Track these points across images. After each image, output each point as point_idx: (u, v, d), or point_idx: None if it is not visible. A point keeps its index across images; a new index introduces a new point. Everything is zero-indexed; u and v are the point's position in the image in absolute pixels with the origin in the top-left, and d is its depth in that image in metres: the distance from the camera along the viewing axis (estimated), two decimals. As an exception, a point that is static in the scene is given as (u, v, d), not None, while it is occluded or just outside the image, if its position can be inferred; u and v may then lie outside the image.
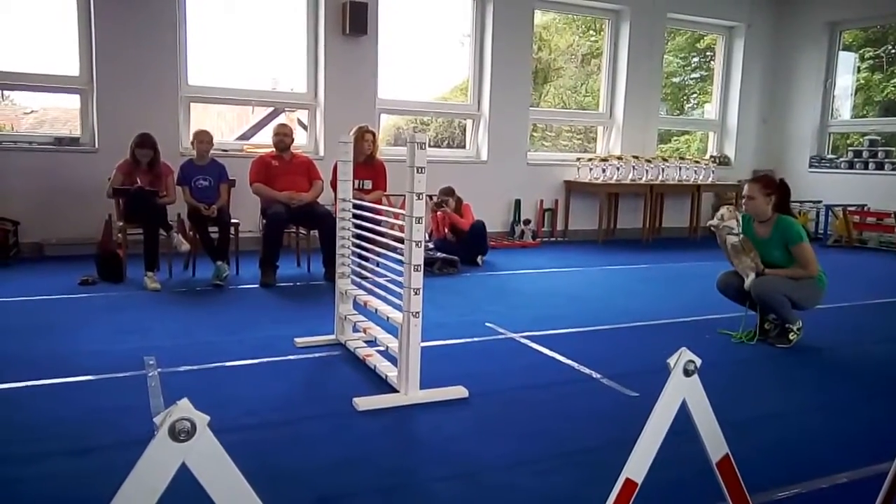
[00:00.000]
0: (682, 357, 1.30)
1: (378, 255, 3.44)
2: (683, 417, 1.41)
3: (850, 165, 8.99)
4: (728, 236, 3.97)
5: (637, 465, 1.31)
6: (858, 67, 9.57)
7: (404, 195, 2.89)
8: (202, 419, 0.97)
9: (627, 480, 1.31)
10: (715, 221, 4.04)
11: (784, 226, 3.95)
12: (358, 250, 3.68)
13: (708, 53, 10.18)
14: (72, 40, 6.27)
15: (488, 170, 8.06)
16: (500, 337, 4.06)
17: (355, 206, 3.66)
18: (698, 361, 1.32)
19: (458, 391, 3.06)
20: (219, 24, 7.01)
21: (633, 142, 8.87)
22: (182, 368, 3.31)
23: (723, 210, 4.06)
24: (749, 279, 3.96)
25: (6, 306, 4.44)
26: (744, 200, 4.08)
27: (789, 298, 3.90)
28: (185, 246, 5.31)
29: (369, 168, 5.81)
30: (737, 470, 1.44)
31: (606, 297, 5.34)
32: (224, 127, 8.22)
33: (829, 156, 9.41)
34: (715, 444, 1.40)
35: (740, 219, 4.00)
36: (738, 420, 2.82)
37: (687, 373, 1.31)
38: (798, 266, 3.93)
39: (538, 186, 8.38)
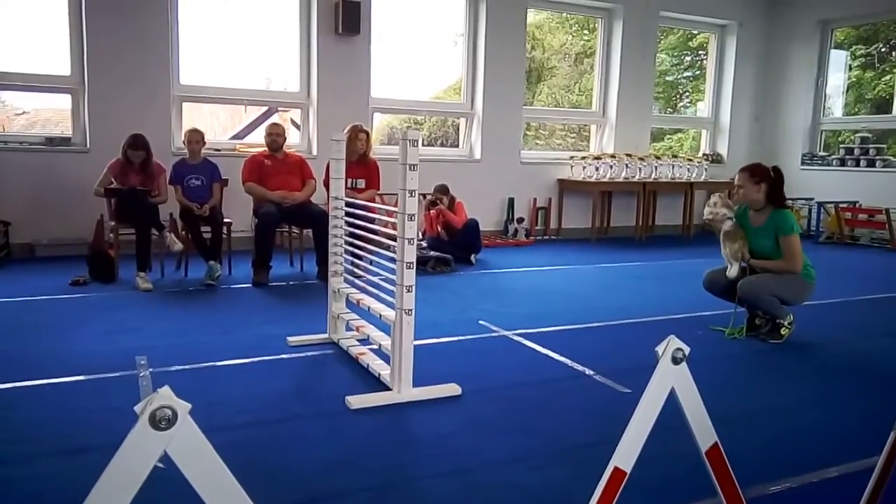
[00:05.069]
0: (671, 345, 1.29)
1: (371, 253, 3.43)
2: (674, 413, 1.40)
3: (842, 163, 9.02)
4: (723, 223, 4.00)
5: (625, 454, 1.30)
6: (850, 65, 9.60)
7: (397, 194, 2.88)
8: (184, 407, 0.96)
9: (616, 469, 1.30)
10: (709, 216, 4.04)
11: (780, 216, 3.95)
12: (351, 248, 3.67)
13: (700, 52, 10.20)
14: (62, 40, 6.24)
15: (482, 168, 8.06)
16: (494, 335, 4.05)
17: (348, 205, 3.66)
18: (687, 350, 1.31)
19: (452, 389, 3.05)
20: (211, 24, 6.99)
21: (627, 140, 8.88)
22: (174, 368, 3.29)
23: (714, 198, 4.07)
24: (732, 269, 3.97)
25: (-3, 307, 4.42)
26: (735, 190, 4.09)
27: (777, 296, 3.91)
28: (178, 246, 5.28)
29: (362, 167, 5.80)
30: (726, 459, 1.44)
31: (599, 295, 5.34)
32: (217, 126, 8.20)
33: (821, 153, 9.44)
34: (704, 432, 1.39)
35: (732, 205, 4.03)
36: (729, 415, 2.82)
37: (675, 361, 1.31)
38: (783, 258, 3.93)
39: (532, 185, 8.39)
